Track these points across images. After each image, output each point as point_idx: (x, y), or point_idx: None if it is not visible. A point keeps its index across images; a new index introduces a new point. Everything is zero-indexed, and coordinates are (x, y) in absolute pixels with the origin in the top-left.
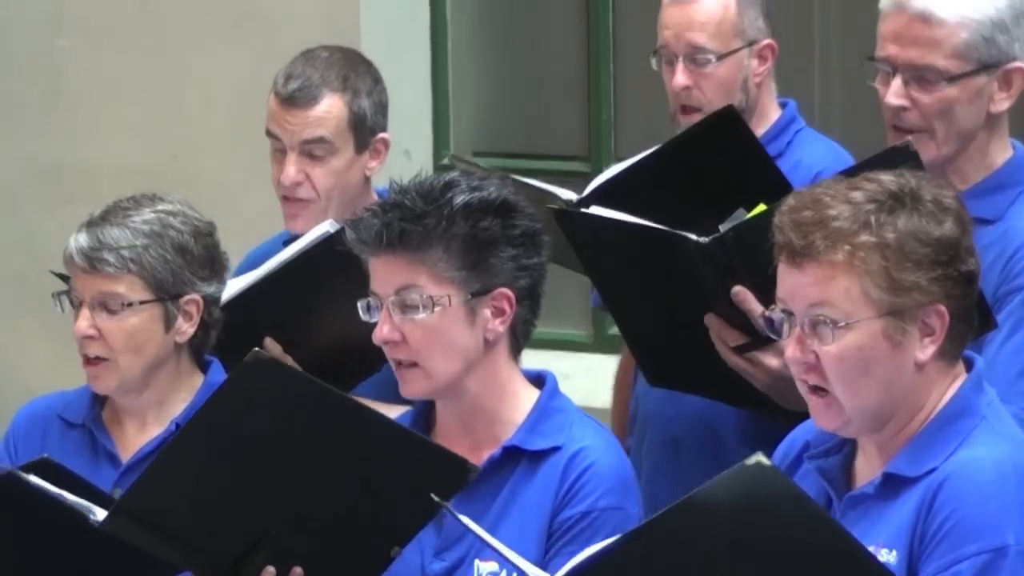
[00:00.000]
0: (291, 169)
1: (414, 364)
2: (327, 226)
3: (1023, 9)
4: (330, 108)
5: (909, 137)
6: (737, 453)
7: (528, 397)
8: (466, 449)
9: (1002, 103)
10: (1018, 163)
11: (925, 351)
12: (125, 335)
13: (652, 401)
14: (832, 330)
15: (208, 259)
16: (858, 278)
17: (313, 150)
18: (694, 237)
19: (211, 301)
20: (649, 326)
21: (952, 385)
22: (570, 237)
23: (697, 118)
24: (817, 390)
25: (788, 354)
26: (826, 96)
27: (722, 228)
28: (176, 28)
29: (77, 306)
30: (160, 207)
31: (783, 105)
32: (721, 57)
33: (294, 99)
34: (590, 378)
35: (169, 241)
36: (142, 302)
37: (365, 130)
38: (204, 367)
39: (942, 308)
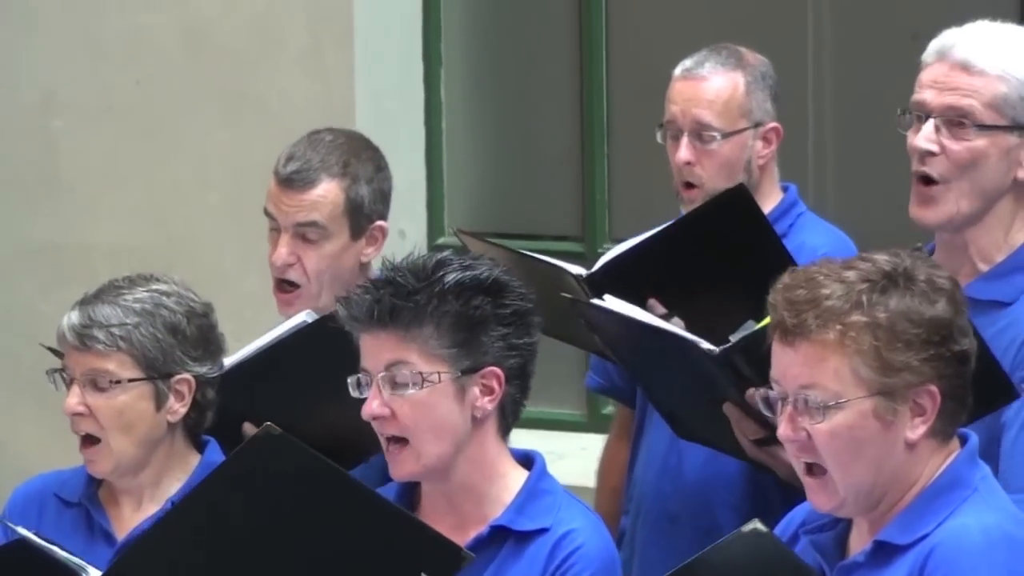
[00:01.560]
0: (283, 250)
1: (404, 442)
2: (304, 316)
3: None
4: (326, 193)
5: (935, 190)
6: (732, 530)
7: (516, 477)
8: (452, 527)
9: None
10: None
11: (916, 431)
12: (114, 413)
13: (649, 478)
14: (822, 410)
15: (202, 339)
16: (848, 358)
17: (307, 233)
18: (705, 345)
19: (205, 382)
20: (669, 393)
21: (946, 460)
22: (585, 319)
23: (697, 195)
24: (812, 471)
25: (780, 432)
26: (820, 178)
27: (732, 339)
28: (170, 108)
29: (68, 383)
30: (154, 286)
31: (784, 189)
32: (726, 136)
33: (291, 181)
34: (584, 458)
35: (161, 320)
36: (131, 380)
37: (362, 217)
38: (200, 447)
39: (933, 388)
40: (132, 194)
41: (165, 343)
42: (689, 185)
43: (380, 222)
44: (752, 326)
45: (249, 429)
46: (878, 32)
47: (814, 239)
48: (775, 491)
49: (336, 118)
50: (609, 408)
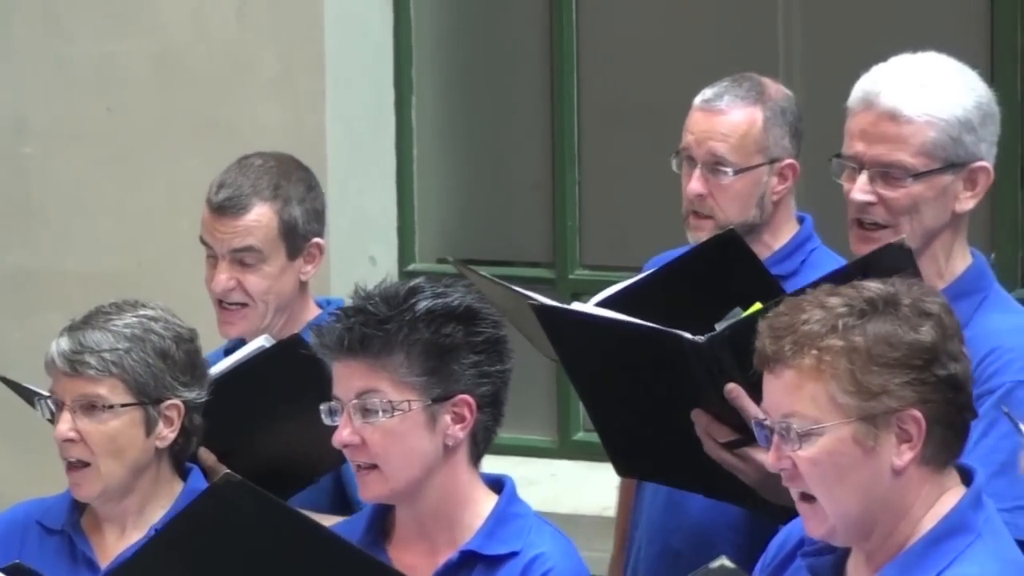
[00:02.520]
0: (222, 276)
1: (374, 467)
2: (262, 340)
3: (990, 111)
4: (259, 217)
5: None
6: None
7: (487, 502)
8: (424, 553)
9: (967, 202)
10: (979, 270)
11: (902, 457)
12: (106, 438)
13: (655, 512)
14: (802, 437)
15: (189, 365)
16: (824, 383)
17: (244, 258)
18: (689, 336)
19: (192, 407)
20: (626, 419)
21: (945, 496)
22: (549, 332)
23: (708, 225)
24: (805, 497)
25: (768, 462)
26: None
27: (718, 327)
28: (141, 135)
29: (58, 410)
30: (141, 312)
31: (800, 220)
32: (739, 171)
33: (224, 208)
34: (555, 484)
35: (151, 345)
36: (123, 405)
37: (297, 237)
38: (184, 474)
39: (917, 413)
40: (103, 220)
41: (156, 368)
42: (699, 215)
43: (317, 240)
44: (739, 313)
45: (204, 453)
46: (849, 58)
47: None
48: (774, 530)
49: (306, 144)
50: (580, 434)
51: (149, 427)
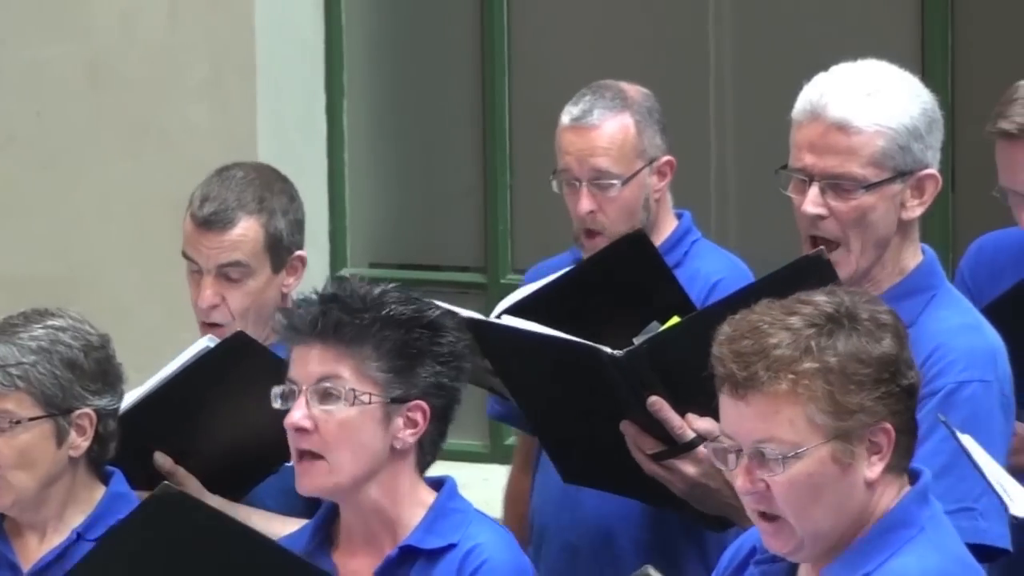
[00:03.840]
0: (208, 292)
1: (318, 457)
2: (206, 341)
3: (936, 117)
4: (246, 231)
5: (824, 248)
6: (633, 562)
7: (428, 501)
8: (367, 552)
9: (915, 209)
10: (928, 267)
11: (874, 469)
12: (16, 452)
13: (549, 509)
14: (781, 461)
15: (100, 372)
16: (802, 406)
17: (230, 273)
18: (608, 350)
19: (105, 414)
20: (565, 429)
21: (896, 496)
22: (483, 345)
23: (600, 242)
24: (766, 515)
25: (738, 485)
26: (722, 207)
27: (636, 341)
28: (72, 139)
29: None
30: (50, 322)
31: (679, 216)
32: (626, 181)
33: (210, 223)
34: (487, 488)
35: (58, 357)
36: (32, 419)
37: (282, 249)
38: (105, 478)
39: (888, 426)
40: (34, 225)
41: (64, 379)
42: (591, 232)
43: (299, 252)
44: (656, 327)
45: (160, 458)
46: (779, 65)
47: (709, 266)
48: (674, 523)
49: (238, 148)
50: (512, 439)
51: (60, 438)
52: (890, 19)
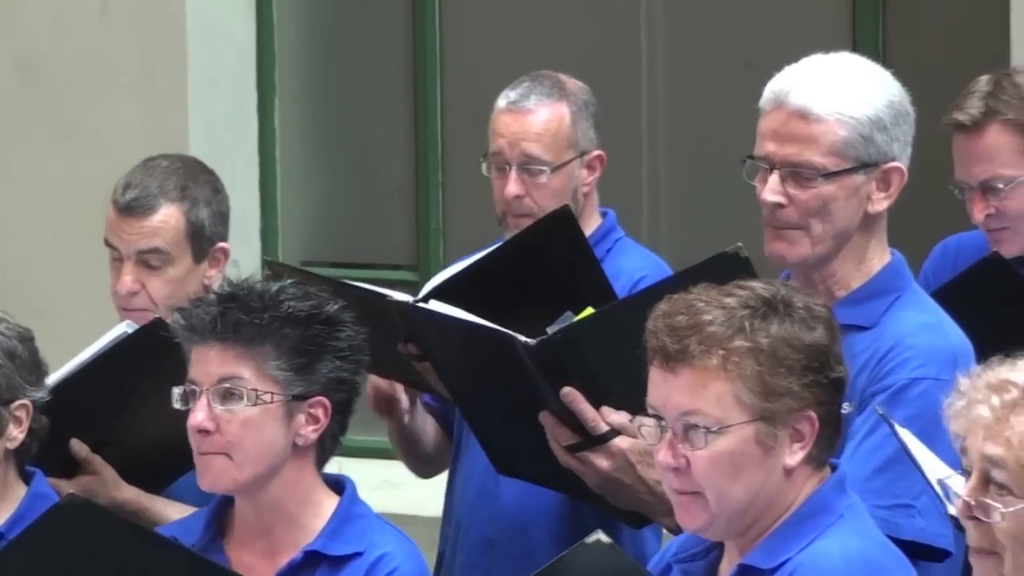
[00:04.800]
0: (127, 279)
1: (222, 455)
2: (124, 326)
3: (903, 110)
4: (167, 218)
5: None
6: (548, 555)
7: (328, 503)
8: (262, 553)
9: (880, 203)
10: (895, 269)
11: (794, 456)
12: None
13: (466, 502)
14: (705, 435)
15: (34, 364)
16: (731, 383)
17: (149, 260)
18: (522, 339)
19: (39, 407)
20: (493, 419)
21: (816, 487)
22: (414, 332)
23: (525, 223)
24: (683, 490)
25: (659, 459)
26: (654, 205)
27: (550, 331)
28: (2, 139)
29: None
30: None
31: (603, 214)
32: (555, 168)
33: (131, 209)
34: (420, 487)
35: None
36: None
37: (203, 240)
38: (27, 478)
39: (812, 414)
40: None
41: (5, 368)
42: (519, 216)
43: (221, 243)
44: (570, 317)
45: (77, 445)
46: (711, 59)
47: (631, 263)
48: (591, 517)
49: (170, 147)
50: None
51: (0, 429)
52: (821, 21)
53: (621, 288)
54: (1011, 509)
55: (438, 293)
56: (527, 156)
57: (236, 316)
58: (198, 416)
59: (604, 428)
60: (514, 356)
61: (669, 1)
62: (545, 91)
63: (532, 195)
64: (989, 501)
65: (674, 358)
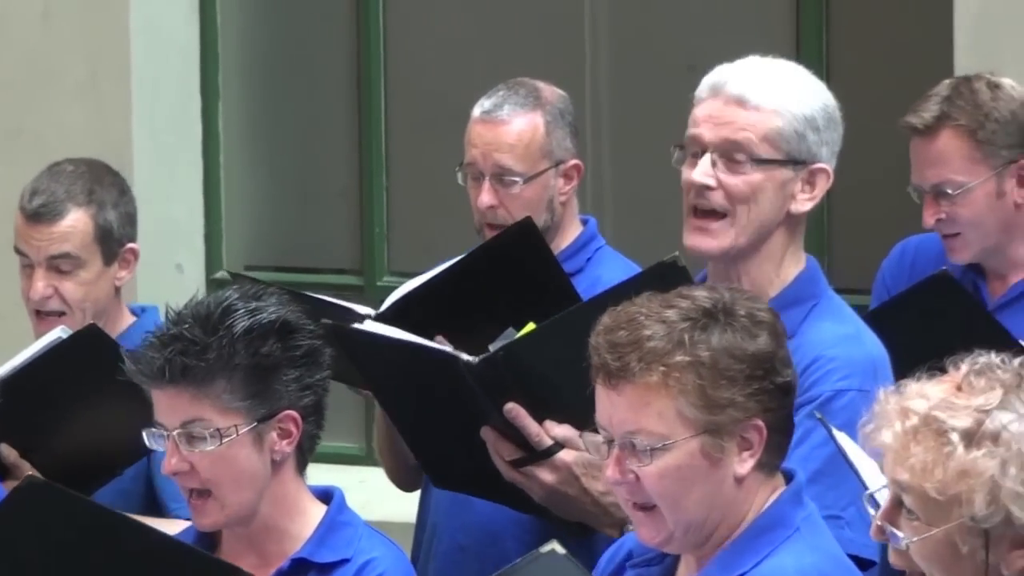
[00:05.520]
0: (39, 284)
1: (207, 493)
2: (58, 332)
3: (835, 117)
4: (75, 223)
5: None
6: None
7: (316, 512)
8: (252, 566)
9: (804, 204)
10: (810, 277)
11: (744, 465)
12: None
13: (442, 509)
14: (650, 452)
15: None
16: (672, 399)
17: (60, 265)
18: (464, 357)
19: None
20: (433, 435)
21: (771, 496)
22: (347, 352)
23: None
24: (641, 505)
25: (608, 475)
26: (598, 209)
27: (492, 348)
28: None
29: None
30: None
31: (584, 222)
32: (528, 179)
33: (39, 215)
34: (364, 491)
35: None
36: None
37: (113, 242)
38: None
39: (759, 422)
40: None
41: None
42: (493, 226)
43: (131, 244)
44: (512, 334)
45: (6, 449)
46: (655, 64)
47: (610, 274)
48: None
49: (112, 151)
50: None
51: None
52: (765, 25)
53: None
54: (916, 538)
55: (400, 306)
56: (499, 167)
57: (181, 361)
58: (172, 462)
59: (549, 442)
60: (455, 375)
61: (613, 5)
62: (520, 100)
63: (505, 205)
64: (894, 530)
65: (616, 375)
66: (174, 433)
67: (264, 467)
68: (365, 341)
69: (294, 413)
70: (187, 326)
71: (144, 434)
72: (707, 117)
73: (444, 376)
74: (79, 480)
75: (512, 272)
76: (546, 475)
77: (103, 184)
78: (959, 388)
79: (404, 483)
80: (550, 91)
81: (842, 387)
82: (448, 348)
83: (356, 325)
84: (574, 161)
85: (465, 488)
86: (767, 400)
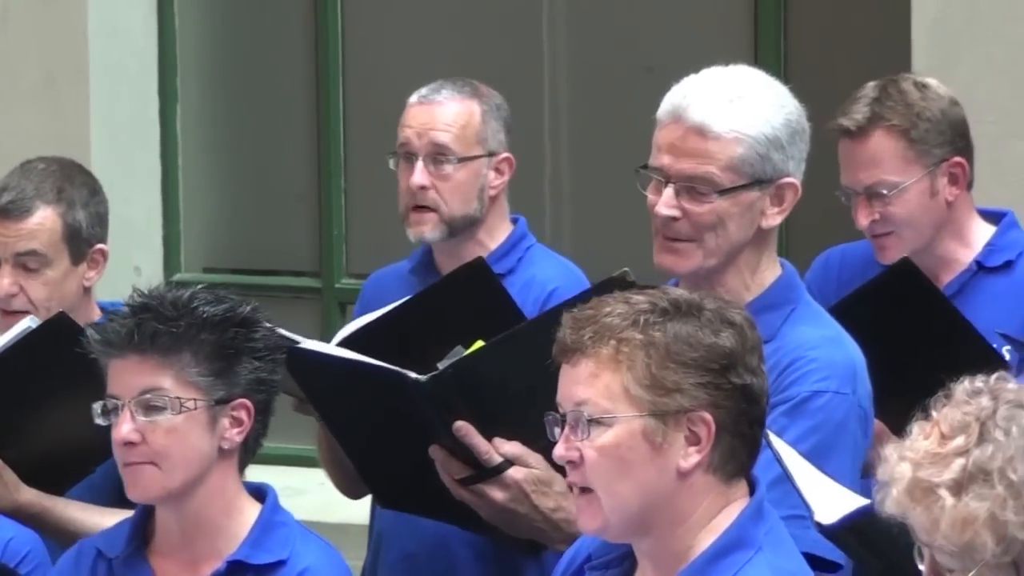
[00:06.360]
0: (5, 281)
1: (150, 464)
2: (27, 321)
3: (799, 127)
4: (43, 220)
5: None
6: (470, 570)
7: (251, 511)
8: (185, 563)
9: (773, 218)
10: (787, 281)
11: (688, 459)
12: None
13: (387, 517)
14: (591, 425)
15: None
16: (620, 374)
17: (27, 262)
18: (412, 375)
19: None
20: (379, 455)
21: (729, 508)
22: (294, 372)
23: (430, 218)
24: (584, 490)
25: (556, 452)
26: (556, 211)
27: (440, 366)
28: None
29: None
30: None
31: (514, 221)
32: (462, 160)
33: (7, 211)
34: (324, 493)
35: None
36: None
37: (81, 241)
38: None
39: (708, 416)
40: None
41: None
42: (419, 208)
43: (100, 245)
44: (460, 352)
45: None
46: (613, 65)
47: (544, 272)
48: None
49: (70, 153)
50: None
51: None
52: (724, 27)
53: (534, 299)
54: None
55: (350, 343)
56: (435, 145)
57: (152, 326)
58: (123, 429)
59: (498, 459)
60: (403, 393)
61: (571, 6)
62: (457, 88)
63: (437, 186)
64: None
65: (571, 348)
66: (131, 401)
67: (211, 451)
68: (313, 360)
69: (249, 403)
70: (158, 301)
71: (93, 407)
72: (669, 146)
73: (392, 395)
74: (52, 478)
75: (464, 312)
76: (496, 493)
77: (74, 183)
78: (942, 436)
79: (350, 492)
80: (486, 88)
81: (820, 388)
82: (395, 367)
83: (305, 344)
84: (506, 154)
85: (413, 509)
86: (720, 396)
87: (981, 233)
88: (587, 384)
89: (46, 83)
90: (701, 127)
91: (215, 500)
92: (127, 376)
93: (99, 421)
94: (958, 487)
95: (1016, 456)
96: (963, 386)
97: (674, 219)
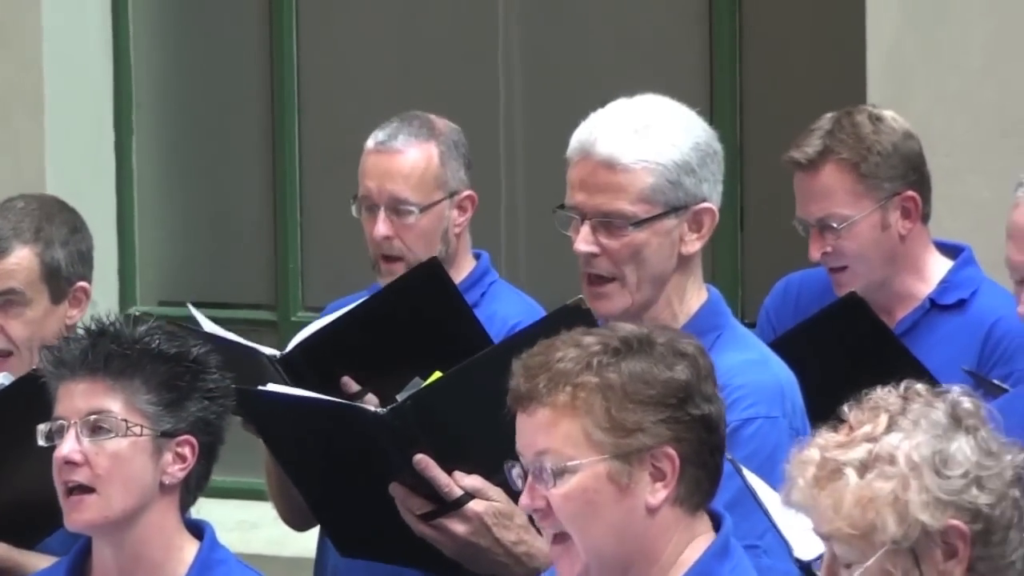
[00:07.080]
0: None
1: (88, 491)
2: (0, 379)
3: (710, 150)
4: (20, 260)
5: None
6: None
7: (189, 549)
8: None
9: (693, 244)
10: (712, 308)
11: (656, 495)
12: None
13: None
14: (556, 474)
15: None
16: (579, 420)
17: (6, 302)
18: (372, 409)
19: None
20: (337, 497)
21: (695, 543)
22: (247, 414)
23: (399, 267)
24: (559, 537)
25: (521, 502)
26: (512, 245)
27: (399, 398)
28: None
29: None
30: None
31: (477, 256)
32: (423, 209)
33: None
34: (277, 527)
35: None
36: None
37: (61, 280)
38: None
39: (671, 451)
40: None
41: None
42: (388, 258)
43: (82, 283)
44: (419, 383)
45: None
46: (569, 94)
47: (506, 308)
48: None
49: (26, 187)
50: None
51: None
52: (679, 60)
53: (496, 333)
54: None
55: (306, 347)
56: (395, 198)
57: (107, 348)
58: (66, 447)
59: (459, 493)
60: (362, 428)
61: (526, 35)
62: (414, 131)
63: (401, 236)
64: None
65: (527, 398)
66: (77, 421)
67: (153, 484)
68: (268, 402)
69: (193, 440)
70: (114, 327)
71: (38, 429)
72: (581, 183)
73: (351, 430)
74: (23, 531)
75: (419, 312)
76: (457, 526)
77: (53, 222)
78: (850, 428)
79: (297, 523)
80: (443, 123)
81: (749, 415)
82: (354, 403)
83: (259, 388)
84: (468, 192)
85: (373, 555)
86: (681, 430)
87: (938, 267)
88: (547, 433)
89: (1, 117)
90: (609, 160)
91: (154, 537)
92: (76, 398)
93: (41, 443)
94: (863, 467)
95: (923, 443)
96: (880, 392)
97: (594, 255)
